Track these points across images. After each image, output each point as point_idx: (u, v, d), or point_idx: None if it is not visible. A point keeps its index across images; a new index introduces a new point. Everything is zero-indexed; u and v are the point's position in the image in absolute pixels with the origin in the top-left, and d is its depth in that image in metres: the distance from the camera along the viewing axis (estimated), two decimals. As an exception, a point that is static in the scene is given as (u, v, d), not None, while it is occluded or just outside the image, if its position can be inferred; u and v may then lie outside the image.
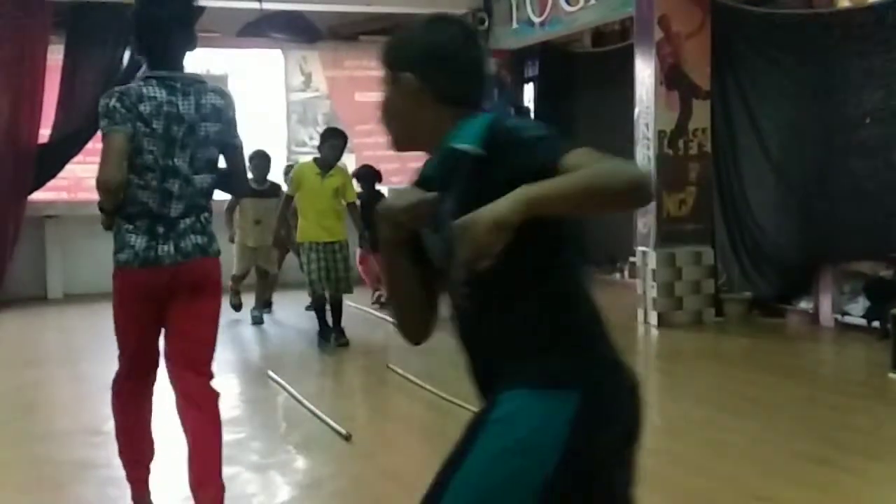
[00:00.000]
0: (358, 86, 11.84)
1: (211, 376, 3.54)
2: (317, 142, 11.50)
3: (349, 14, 11.58)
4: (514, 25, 10.71)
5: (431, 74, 2.00)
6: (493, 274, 1.75)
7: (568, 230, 1.94)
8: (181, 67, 3.38)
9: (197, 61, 11.23)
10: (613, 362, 1.97)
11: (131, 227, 3.32)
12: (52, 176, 9.72)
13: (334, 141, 7.43)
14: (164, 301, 3.38)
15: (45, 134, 9.51)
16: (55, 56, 9.65)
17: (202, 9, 3.49)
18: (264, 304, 8.71)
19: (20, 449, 4.82)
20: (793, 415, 5.23)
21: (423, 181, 2.04)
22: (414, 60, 2.02)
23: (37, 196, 9.66)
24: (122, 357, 3.57)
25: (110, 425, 5.19)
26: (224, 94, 3.49)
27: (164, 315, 3.41)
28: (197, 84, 3.38)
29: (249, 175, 7.71)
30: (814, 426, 4.97)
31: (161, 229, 3.31)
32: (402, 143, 2.12)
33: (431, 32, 2.06)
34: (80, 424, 5.18)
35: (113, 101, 3.26)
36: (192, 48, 3.39)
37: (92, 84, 9.77)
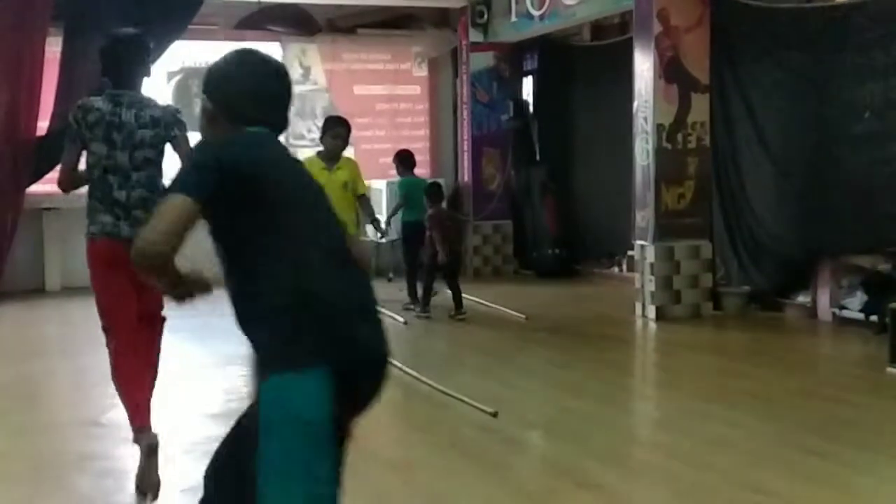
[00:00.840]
0: (356, 79, 11.84)
1: (162, 321, 4.41)
2: (316, 134, 11.54)
3: (347, 7, 11.56)
4: (514, 18, 10.70)
5: (219, 98, 2.47)
6: (227, 274, 2.27)
7: (286, 237, 2.25)
8: (135, 88, 4.27)
9: (195, 54, 11.33)
10: (350, 340, 2.22)
11: (101, 207, 4.11)
12: (51, 168, 9.66)
13: (336, 130, 7.18)
14: (129, 269, 3.66)
15: (43, 126, 9.49)
16: (53, 48, 9.63)
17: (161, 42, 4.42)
18: None
19: (19, 440, 4.83)
20: (790, 408, 5.25)
21: None
22: (209, 86, 2.50)
23: (35, 188, 9.64)
24: (101, 318, 4.19)
25: (109, 417, 5.22)
26: (163, 108, 4.34)
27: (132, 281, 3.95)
28: (140, 101, 4.24)
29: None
30: (811, 420, 4.98)
31: (120, 212, 4.10)
32: None
33: (227, 63, 2.50)
34: (79, 416, 5.19)
35: (70, 117, 4.21)
36: (147, 76, 4.35)
37: (90, 76, 9.75)
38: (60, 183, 4.25)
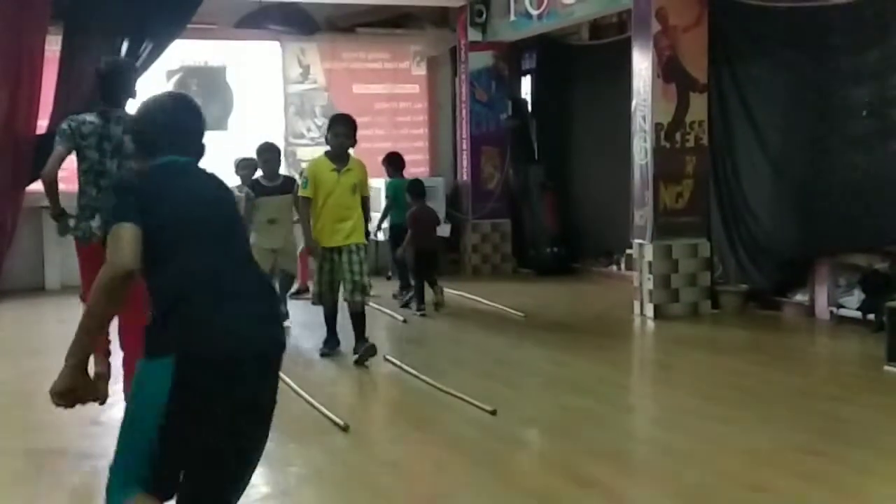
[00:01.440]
0: (356, 78, 11.85)
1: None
2: (315, 133, 11.62)
3: (347, 6, 11.57)
4: (512, 18, 10.71)
5: (136, 134, 3.05)
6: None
7: (168, 251, 2.60)
8: (121, 107, 4.96)
9: (195, 53, 11.32)
10: (210, 338, 2.53)
11: (86, 213, 4.87)
12: (50, 167, 9.71)
13: (336, 128, 6.66)
14: None
15: (42, 125, 9.49)
16: (53, 47, 9.63)
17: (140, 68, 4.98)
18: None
19: (17, 438, 4.84)
20: (788, 406, 5.26)
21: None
22: (130, 125, 3.32)
23: (35, 187, 9.62)
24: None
25: (107, 416, 5.24)
26: None
27: None
28: (125, 117, 4.83)
29: (259, 172, 7.94)
30: (809, 418, 5.00)
31: (105, 215, 4.58)
32: None
33: (144, 104, 2.95)
34: (77, 414, 5.15)
35: (63, 125, 4.89)
36: (133, 97, 4.97)
37: (90, 75, 9.74)
38: (43, 175, 4.91)
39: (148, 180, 2.76)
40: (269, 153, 7.96)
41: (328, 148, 6.73)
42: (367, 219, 7.03)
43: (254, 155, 8.44)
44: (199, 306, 2.54)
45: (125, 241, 2.53)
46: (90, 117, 4.89)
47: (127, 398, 2.78)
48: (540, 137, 11.70)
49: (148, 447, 2.51)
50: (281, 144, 11.52)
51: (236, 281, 2.65)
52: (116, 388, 5.89)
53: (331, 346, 6.77)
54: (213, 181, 2.86)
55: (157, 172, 2.77)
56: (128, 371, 4.76)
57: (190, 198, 2.70)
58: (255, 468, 2.77)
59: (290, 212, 7.67)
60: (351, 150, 6.74)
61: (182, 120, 2.88)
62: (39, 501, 3.98)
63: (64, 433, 4.86)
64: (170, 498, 2.63)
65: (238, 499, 2.75)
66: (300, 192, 6.73)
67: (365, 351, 6.31)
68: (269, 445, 4.68)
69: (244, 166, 8.30)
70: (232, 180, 8.31)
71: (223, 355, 2.54)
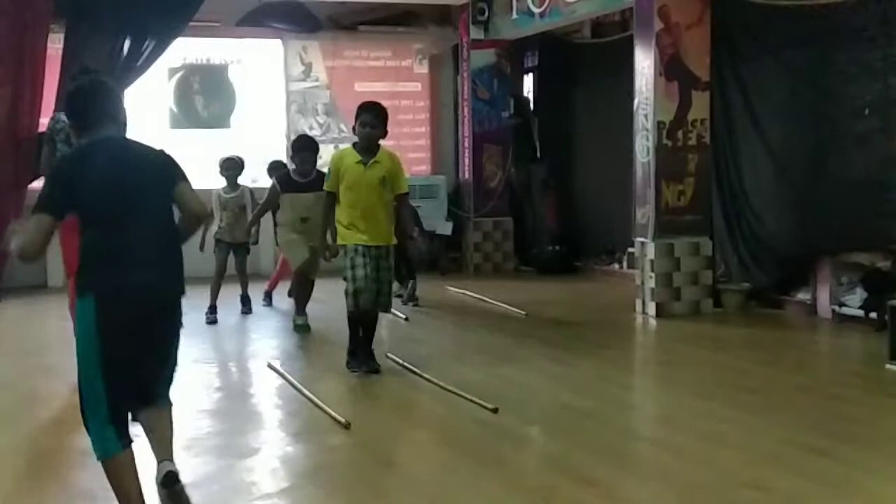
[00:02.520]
0: (358, 76, 11.85)
1: None
2: (317, 132, 11.60)
3: (349, 4, 11.57)
4: (514, 16, 10.71)
5: (68, 116, 3.92)
6: None
7: (85, 221, 3.40)
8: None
9: (197, 51, 11.32)
10: (114, 277, 3.35)
11: None
12: (52, 165, 9.72)
13: (362, 117, 5.96)
14: None
15: (45, 123, 9.48)
16: (55, 45, 9.64)
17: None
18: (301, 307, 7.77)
19: (21, 436, 4.85)
20: (790, 405, 5.26)
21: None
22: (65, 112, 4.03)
23: (37, 185, 9.65)
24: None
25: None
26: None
27: None
28: None
29: (292, 166, 7.80)
30: (811, 417, 5.00)
31: None
32: None
33: (68, 93, 3.79)
34: (80, 413, 5.20)
35: (48, 125, 6.01)
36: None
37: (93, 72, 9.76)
38: (43, 170, 5.83)
39: (69, 165, 3.54)
40: (305, 152, 7.43)
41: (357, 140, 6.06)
42: (409, 217, 6.39)
43: (236, 155, 8.52)
44: (106, 260, 3.37)
45: (31, 230, 3.28)
46: (63, 116, 5.52)
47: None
48: (542, 135, 11.71)
49: (101, 373, 3.32)
50: (283, 143, 11.58)
51: (139, 246, 3.40)
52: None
53: (360, 364, 6.06)
54: (131, 153, 3.52)
55: (78, 155, 3.60)
56: None
57: (101, 178, 3.36)
58: (171, 362, 3.66)
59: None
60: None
61: (98, 102, 3.57)
62: (42, 499, 3.99)
63: (67, 431, 4.86)
64: (127, 430, 3.43)
65: (165, 388, 3.66)
66: (325, 186, 6.10)
67: (370, 370, 6.00)
68: (272, 442, 4.71)
69: (229, 167, 8.32)
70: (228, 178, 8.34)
71: (123, 292, 3.35)
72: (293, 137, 11.58)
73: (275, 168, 8.73)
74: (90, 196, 3.33)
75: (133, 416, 3.54)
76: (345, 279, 5.89)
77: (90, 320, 3.30)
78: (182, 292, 3.61)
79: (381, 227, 5.94)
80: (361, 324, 6.08)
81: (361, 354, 6.08)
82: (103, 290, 3.33)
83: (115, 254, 3.36)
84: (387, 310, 6.16)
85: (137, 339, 3.38)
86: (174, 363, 3.67)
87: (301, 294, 7.72)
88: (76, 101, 3.62)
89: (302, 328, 7.54)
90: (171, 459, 3.57)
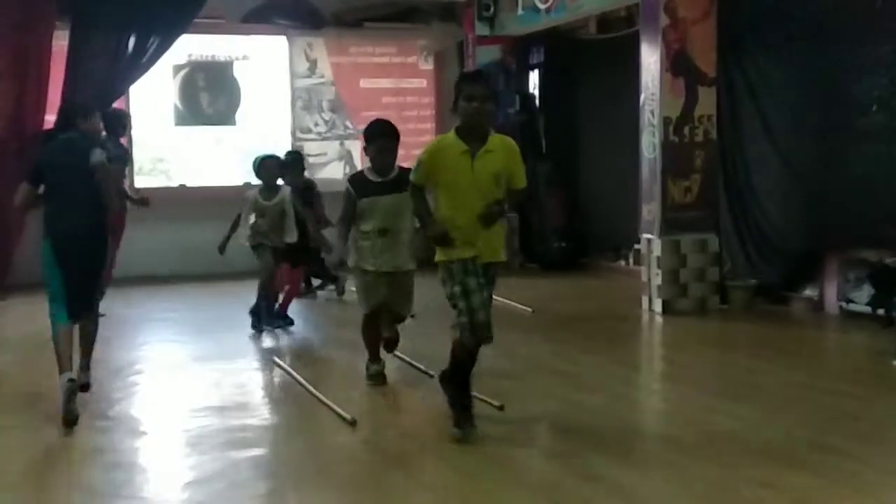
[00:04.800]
0: (363, 72, 11.84)
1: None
2: (322, 128, 11.60)
3: (354, 0, 11.55)
4: (520, 12, 10.68)
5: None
6: None
7: (46, 191, 5.30)
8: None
9: (202, 48, 11.31)
10: (59, 223, 5.17)
11: None
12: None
13: (473, 89, 4.55)
14: None
15: (50, 120, 9.50)
16: (60, 41, 9.64)
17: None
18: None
19: (28, 433, 4.85)
20: (796, 402, 5.24)
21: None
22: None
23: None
24: None
25: (116, 410, 5.26)
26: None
27: None
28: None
29: (369, 164, 5.70)
30: (817, 413, 4.98)
31: None
32: None
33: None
34: (87, 409, 5.21)
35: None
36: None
37: (97, 70, 9.76)
38: None
39: (41, 154, 5.66)
40: (382, 136, 5.54)
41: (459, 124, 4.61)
42: (519, 216, 5.33)
43: (283, 154, 7.91)
44: (55, 218, 5.19)
45: (20, 193, 5.33)
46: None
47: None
48: (547, 132, 11.68)
49: (57, 278, 5.15)
50: (287, 139, 11.57)
51: (70, 206, 5.18)
52: (121, 382, 5.92)
53: (468, 421, 4.61)
54: (74, 148, 5.37)
55: (49, 147, 5.65)
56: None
57: (55, 163, 5.29)
58: (98, 271, 5.38)
59: (412, 218, 5.39)
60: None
61: (67, 111, 6.28)
62: (50, 495, 3.99)
63: (72, 428, 4.86)
64: (74, 314, 5.19)
65: (93, 305, 5.50)
66: (411, 177, 4.72)
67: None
68: (277, 439, 4.71)
69: (268, 168, 7.38)
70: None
71: (61, 234, 5.16)
72: (299, 134, 11.67)
73: (281, 164, 7.79)
74: (46, 174, 5.28)
75: (75, 319, 5.23)
76: (455, 307, 4.52)
77: (49, 251, 5.14)
78: (96, 237, 5.28)
79: (494, 236, 4.61)
80: (468, 365, 4.65)
81: (469, 403, 4.69)
82: (55, 235, 5.16)
83: (57, 213, 5.19)
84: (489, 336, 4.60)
85: (72, 260, 5.15)
86: (97, 283, 5.50)
87: (381, 338, 5.86)
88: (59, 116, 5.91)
89: (376, 377, 5.78)
90: (85, 366, 5.40)
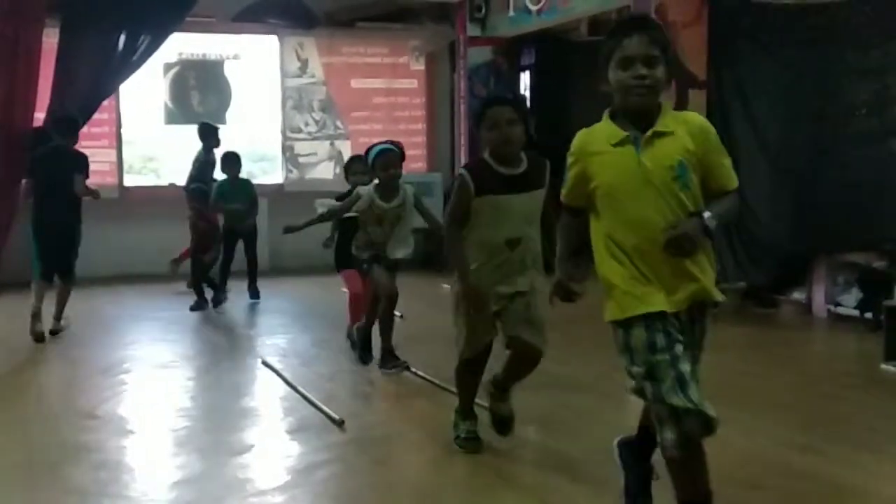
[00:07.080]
0: (354, 72, 11.83)
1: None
2: (313, 128, 11.61)
3: (345, 0, 11.54)
4: (511, 13, 10.70)
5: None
6: None
7: (35, 187, 7.60)
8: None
9: (193, 46, 11.29)
10: (43, 221, 7.33)
11: None
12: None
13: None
14: None
15: (39, 117, 9.47)
16: (50, 39, 9.60)
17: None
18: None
19: (12, 431, 4.83)
20: (784, 404, 5.26)
21: None
22: None
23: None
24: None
25: (103, 409, 5.23)
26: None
27: None
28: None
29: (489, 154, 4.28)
30: (805, 416, 5.00)
31: None
32: None
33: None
34: (73, 408, 5.19)
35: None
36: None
37: (87, 68, 9.73)
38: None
39: (34, 158, 7.54)
40: (499, 115, 4.13)
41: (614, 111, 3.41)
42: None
43: (362, 152, 6.15)
44: (40, 207, 7.20)
45: (22, 188, 7.99)
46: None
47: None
48: (538, 133, 11.65)
49: (39, 245, 7.25)
50: (278, 139, 11.55)
51: (52, 199, 7.16)
52: (109, 381, 5.90)
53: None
54: (58, 156, 7.30)
55: (40, 153, 7.50)
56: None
57: (43, 167, 7.30)
58: (70, 251, 7.30)
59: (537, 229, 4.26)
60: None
61: (56, 131, 7.71)
62: (36, 494, 3.97)
63: (58, 426, 4.85)
64: (51, 275, 7.24)
65: (68, 269, 7.35)
66: (562, 198, 3.56)
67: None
68: (266, 440, 4.69)
69: (356, 170, 6.45)
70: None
71: (45, 221, 7.10)
72: (290, 133, 11.68)
73: (355, 170, 6.47)
74: (37, 173, 7.34)
75: (51, 279, 7.25)
76: (640, 394, 3.20)
77: (35, 241, 7.26)
78: (70, 222, 7.26)
79: (687, 267, 3.01)
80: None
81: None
82: (39, 222, 7.20)
83: (42, 204, 7.19)
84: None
85: (51, 234, 7.19)
86: (72, 253, 7.33)
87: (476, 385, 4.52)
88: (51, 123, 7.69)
89: (473, 442, 4.42)
90: (57, 318, 7.31)
